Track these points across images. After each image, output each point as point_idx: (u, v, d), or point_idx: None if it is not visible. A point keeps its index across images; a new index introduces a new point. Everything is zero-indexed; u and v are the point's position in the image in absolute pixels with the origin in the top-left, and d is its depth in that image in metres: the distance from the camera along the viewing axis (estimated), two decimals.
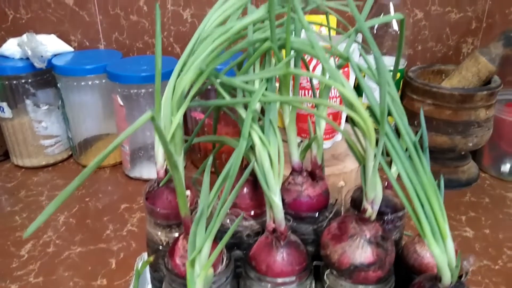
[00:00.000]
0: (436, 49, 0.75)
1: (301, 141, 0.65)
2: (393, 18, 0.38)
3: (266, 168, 0.32)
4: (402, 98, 0.72)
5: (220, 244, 0.29)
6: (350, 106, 0.29)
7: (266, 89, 0.34)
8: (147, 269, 0.45)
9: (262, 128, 0.34)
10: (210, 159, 0.30)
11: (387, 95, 0.32)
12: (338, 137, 0.65)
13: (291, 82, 0.37)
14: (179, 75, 0.31)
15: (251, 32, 0.35)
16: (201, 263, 0.28)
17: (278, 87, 0.37)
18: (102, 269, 0.53)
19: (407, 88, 0.69)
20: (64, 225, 0.61)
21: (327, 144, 0.63)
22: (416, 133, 0.70)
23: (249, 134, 0.33)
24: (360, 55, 0.38)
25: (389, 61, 0.69)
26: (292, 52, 0.34)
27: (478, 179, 0.72)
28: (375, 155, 0.31)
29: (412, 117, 0.68)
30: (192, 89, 0.31)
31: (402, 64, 0.69)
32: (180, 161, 0.32)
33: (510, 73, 0.76)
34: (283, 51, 0.36)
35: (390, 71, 0.70)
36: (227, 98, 0.33)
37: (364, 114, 0.28)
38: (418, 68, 0.72)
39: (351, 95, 0.29)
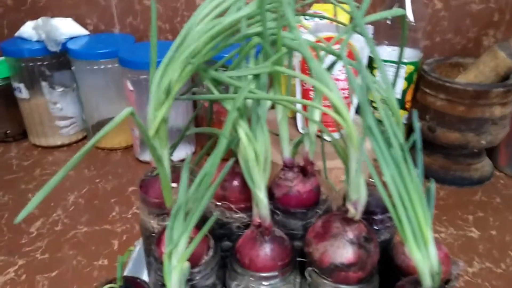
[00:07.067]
0: (455, 41, 0.72)
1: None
2: (392, 14, 0.37)
3: (251, 164, 0.32)
4: (415, 91, 0.70)
5: (198, 236, 0.29)
6: (335, 108, 0.29)
7: (255, 86, 0.33)
8: (143, 253, 0.46)
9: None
10: (189, 157, 0.30)
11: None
12: None
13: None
14: (165, 68, 0.31)
15: (244, 26, 0.34)
16: (178, 256, 0.29)
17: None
18: (105, 250, 0.55)
19: (421, 81, 0.67)
20: (73, 205, 0.64)
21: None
22: (429, 128, 0.68)
23: (236, 130, 0.33)
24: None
25: (405, 53, 0.66)
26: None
27: (492, 177, 0.70)
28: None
29: (425, 111, 0.66)
30: (178, 83, 0.32)
31: (417, 56, 0.67)
32: (165, 154, 0.32)
33: None
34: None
35: (404, 63, 0.69)
36: (216, 93, 0.33)
37: (347, 117, 0.28)
38: (435, 60, 0.70)
39: (336, 97, 0.28)
